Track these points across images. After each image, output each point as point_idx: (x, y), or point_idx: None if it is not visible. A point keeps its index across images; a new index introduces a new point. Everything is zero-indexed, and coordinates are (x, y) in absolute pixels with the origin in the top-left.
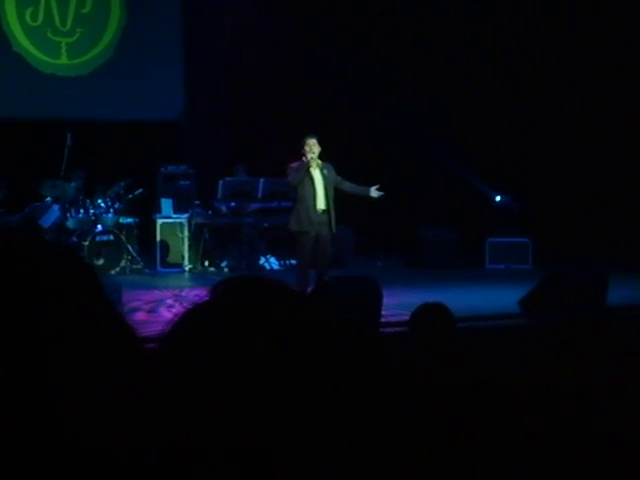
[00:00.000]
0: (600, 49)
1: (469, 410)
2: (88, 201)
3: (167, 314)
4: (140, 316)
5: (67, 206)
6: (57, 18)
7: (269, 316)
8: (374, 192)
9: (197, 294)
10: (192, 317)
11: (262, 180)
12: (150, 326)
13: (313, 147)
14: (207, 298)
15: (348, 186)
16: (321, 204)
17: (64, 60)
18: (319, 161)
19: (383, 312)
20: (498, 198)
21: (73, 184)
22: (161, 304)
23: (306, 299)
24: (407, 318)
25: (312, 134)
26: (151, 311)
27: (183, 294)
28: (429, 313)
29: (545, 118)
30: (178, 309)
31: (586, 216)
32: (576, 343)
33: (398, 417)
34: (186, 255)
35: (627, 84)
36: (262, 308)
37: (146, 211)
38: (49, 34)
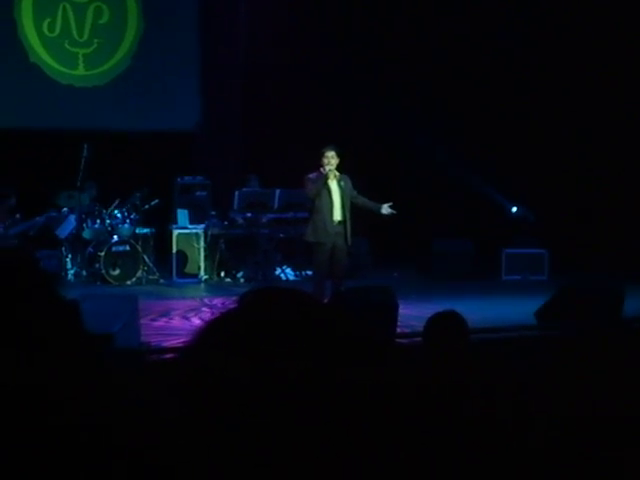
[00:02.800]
0: (618, 61)
1: (478, 418)
2: (104, 211)
3: (189, 323)
4: (160, 324)
5: (83, 217)
6: (74, 29)
7: (295, 325)
8: (385, 209)
9: (223, 302)
10: (221, 324)
11: (278, 191)
12: (170, 336)
13: (331, 159)
14: (234, 306)
15: (362, 201)
16: (338, 215)
17: (81, 71)
18: (337, 173)
19: (399, 323)
20: (514, 209)
21: (86, 194)
22: (182, 313)
23: (330, 309)
24: (422, 329)
25: (331, 146)
26: (171, 319)
27: (206, 302)
28: (442, 321)
29: (562, 129)
30: (202, 318)
31: (603, 226)
32: (592, 354)
33: (409, 423)
34: (202, 266)
35: None
36: (288, 317)
37: (162, 222)
38: (66, 45)
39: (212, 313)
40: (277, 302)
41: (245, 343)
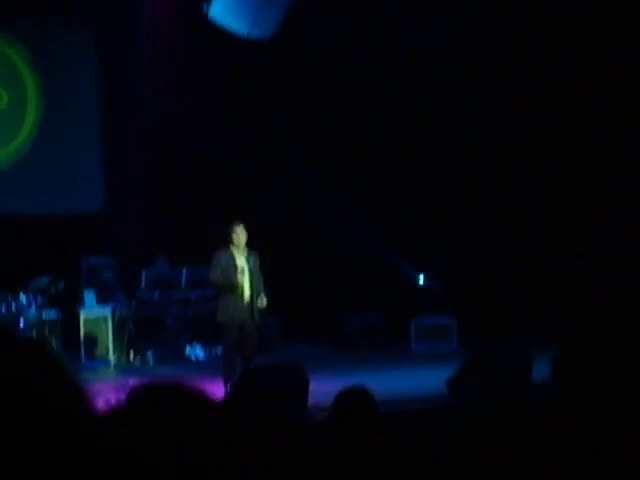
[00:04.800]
0: (546, 107)
1: None
2: (10, 296)
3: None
4: None
5: None
6: None
7: (178, 427)
8: (260, 301)
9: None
10: (107, 421)
11: (185, 269)
12: None
13: (241, 234)
14: (123, 403)
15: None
16: (247, 294)
17: None
18: (245, 248)
19: (310, 398)
20: (422, 279)
21: None
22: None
23: (217, 407)
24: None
25: (239, 220)
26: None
27: (117, 384)
28: (349, 398)
29: (466, 198)
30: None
31: (510, 294)
32: (503, 421)
33: None
34: (111, 347)
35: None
36: (172, 419)
37: (69, 303)
38: None
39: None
40: (161, 401)
41: (129, 441)
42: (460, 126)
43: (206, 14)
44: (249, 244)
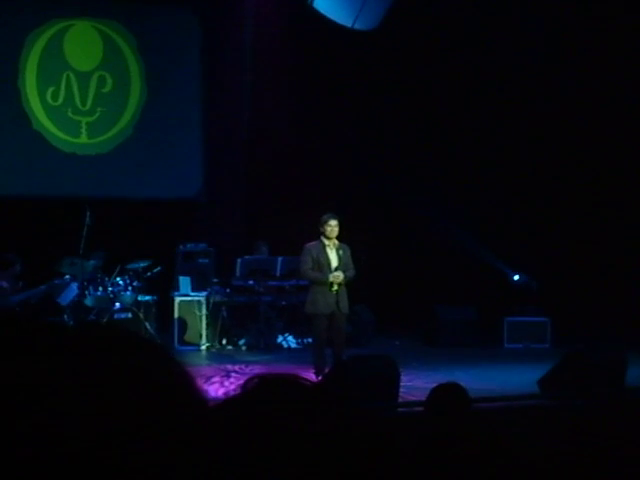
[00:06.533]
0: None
1: None
2: (107, 279)
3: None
4: None
5: (85, 284)
6: (77, 98)
7: (293, 419)
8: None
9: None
10: (221, 412)
11: (280, 258)
12: None
13: (334, 228)
14: (237, 393)
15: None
16: (336, 285)
17: (84, 139)
18: (336, 241)
19: (401, 392)
20: (516, 277)
21: (92, 262)
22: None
23: (330, 397)
24: (424, 398)
25: (332, 214)
26: None
27: (209, 370)
28: (444, 393)
29: (563, 197)
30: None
31: (605, 294)
32: (594, 423)
33: None
34: (204, 333)
35: None
36: (287, 410)
37: (164, 289)
38: (69, 113)
39: (212, 381)
40: (277, 392)
41: (244, 433)
42: (558, 129)
43: (311, 4)
44: (341, 237)
